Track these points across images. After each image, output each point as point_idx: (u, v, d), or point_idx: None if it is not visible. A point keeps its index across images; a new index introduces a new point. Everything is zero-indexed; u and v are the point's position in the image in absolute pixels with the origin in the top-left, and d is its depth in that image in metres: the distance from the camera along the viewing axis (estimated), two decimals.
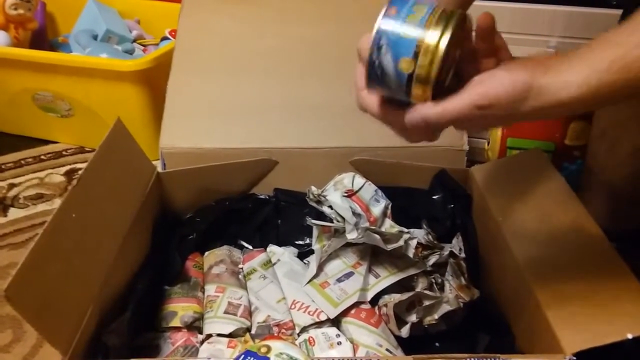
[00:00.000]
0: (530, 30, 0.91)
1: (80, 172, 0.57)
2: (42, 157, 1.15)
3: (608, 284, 0.51)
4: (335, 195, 0.68)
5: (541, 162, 0.68)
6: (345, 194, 0.68)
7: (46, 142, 1.19)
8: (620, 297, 0.49)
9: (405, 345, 0.60)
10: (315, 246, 0.69)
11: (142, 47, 1.26)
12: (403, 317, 0.62)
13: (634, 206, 0.69)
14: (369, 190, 0.71)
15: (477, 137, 0.99)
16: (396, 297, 0.62)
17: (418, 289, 0.63)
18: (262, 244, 0.76)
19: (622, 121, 0.65)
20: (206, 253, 0.74)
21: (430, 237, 0.69)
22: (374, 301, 0.64)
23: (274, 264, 0.72)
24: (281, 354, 0.43)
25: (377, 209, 0.69)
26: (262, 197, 0.79)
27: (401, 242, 0.64)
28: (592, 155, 0.73)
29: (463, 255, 0.68)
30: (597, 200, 0.60)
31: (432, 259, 0.67)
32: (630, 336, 0.45)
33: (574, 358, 0.46)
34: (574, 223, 0.58)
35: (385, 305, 0.62)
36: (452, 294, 0.63)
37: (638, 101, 0.64)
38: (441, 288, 0.65)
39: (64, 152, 1.16)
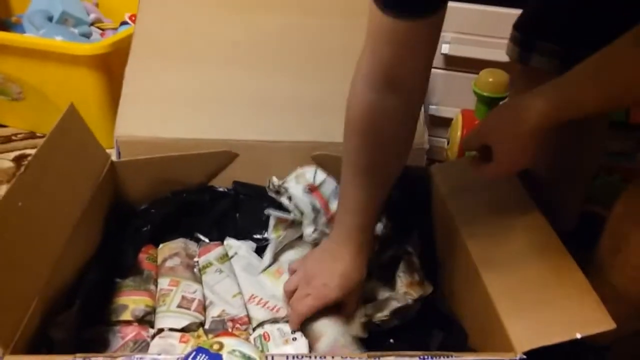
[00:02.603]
0: None
1: (29, 158, 0.55)
2: None
3: (559, 283, 0.52)
4: (297, 189, 0.68)
5: None
6: (308, 189, 0.68)
7: None
8: (571, 297, 0.51)
9: (361, 341, 0.60)
10: (271, 236, 0.69)
11: (100, 31, 1.22)
12: None
13: (564, 206, 0.72)
14: (329, 185, 0.70)
15: (437, 136, 1.00)
16: None
17: (372, 282, 0.63)
18: (219, 237, 0.75)
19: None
20: (160, 245, 0.72)
21: (387, 230, 0.69)
22: None
23: (231, 257, 0.70)
24: (234, 350, 0.42)
25: (336, 205, 0.69)
26: (220, 189, 0.78)
27: None
28: None
29: (417, 251, 0.69)
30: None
31: (389, 253, 0.67)
32: (579, 336, 0.47)
33: (524, 357, 0.47)
34: (528, 222, 0.60)
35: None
36: (401, 290, 0.63)
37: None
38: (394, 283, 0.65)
39: (13, 137, 1.11)
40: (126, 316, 0.59)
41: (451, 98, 0.98)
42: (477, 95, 0.89)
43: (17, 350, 0.46)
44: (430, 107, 1.00)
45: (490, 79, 0.87)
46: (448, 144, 0.96)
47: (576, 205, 0.76)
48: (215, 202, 0.77)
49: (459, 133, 0.90)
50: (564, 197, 0.72)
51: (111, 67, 0.98)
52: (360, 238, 0.59)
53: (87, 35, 1.18)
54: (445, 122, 0.98)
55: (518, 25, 0.67)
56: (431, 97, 1.00)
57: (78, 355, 0.45)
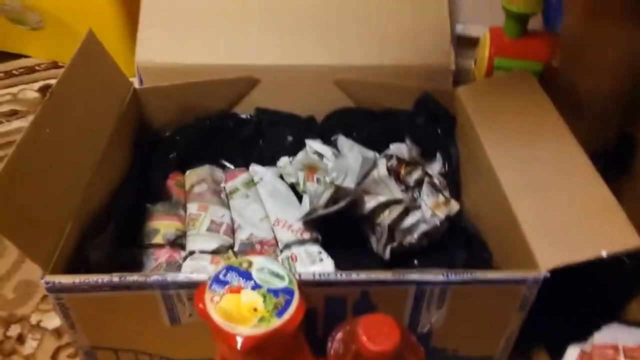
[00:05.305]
0: None
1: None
2: (14, 72, 1.10)
3: (587, 203, 0.52)
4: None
5: (528, 83, 0.67)
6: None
7: (17, 56, 1.14)
8: (598, 216, 0.50)
9: (384, 261, 0.62)
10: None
11: None
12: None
13: (604, 127, 0.69)
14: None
15: (464, 56, 0.96)
16: (390, 215, 0.62)
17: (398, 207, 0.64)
18: (244, 164, 0.76)
19: (598, 42, 0.65)
20: (187, 172, 0.73)
21: (413, 153, 0.69)
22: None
23: (257, 183, 0.71)
24: (262, 268, 0.43)
25: None
26: (243, 116, 0.78)
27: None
28: (565, 75, 0.72)
29: (440, 172, 0.68)
30: (571, 121, 0.61)
31: (415, 175, 0.67)
32: (604, 253, 0.46)
33: (548, 275, 0.47)
34: (558, 145, 0.58)
35: (379, 225, 0.62)
36: (428, 213, 0.63)
37: (613, 22, 0.62)
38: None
39: (36, 67, 1.11)
40: (158, 239, 0.61)
41: (479, 15, 0.94)
42: (507, 12, 0.84)
43: (56, 271, 0.48)
44: (457, 25, 0.96)
45: None
46: (475, 63, 0.93)
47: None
48: (239, 129, 0.77)
49: (487, 52, 0.87)
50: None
51: None
52: None
53: None
54: (473, 42, 0.95)
55: None
56: (457, 15, 0.95)
57: (115, 274, 0.47)
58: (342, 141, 0.73)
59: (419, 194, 0.66)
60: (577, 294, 0.54)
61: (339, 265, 0.59)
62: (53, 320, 0.65)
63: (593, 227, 0.49)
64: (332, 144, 0.74)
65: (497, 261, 0.59)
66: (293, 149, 0.74)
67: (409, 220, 0.63)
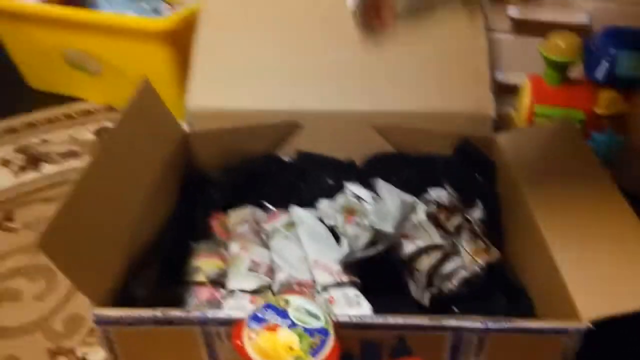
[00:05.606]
0: None
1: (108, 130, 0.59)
2: (73, 114, 1.17)
3: (629, 253, 0.51)
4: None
5: (572, 135, 0.67)
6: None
7: (75, 99, 1.21)
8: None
9: (422, 307, 0.61)
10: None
11: (169, 6, 1.26)
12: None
13: None
14: None
15: (504, 104, 0.97)
16: (429, 261, 0.62)
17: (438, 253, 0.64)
18: (285, 206, 0.77)
19: None
20: (230, 212, 0.75)
21: (453, 198, 0.69)
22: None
23: (297, 225, 0.73)
24: (299, 308, 0.44)
25: None
26: (285, 159, 0.80)
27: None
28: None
29: (480, 219, 0.68)
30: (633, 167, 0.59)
31: (455, 221, 0.67)
32: None
33: (591, 326, 0.46)
34: (599, 195, 0.58)
35: (418, 270, 0.62)
36: (468, 260, 0.63)
37: None
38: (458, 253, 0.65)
39: (93, 111, 1.18)
40: (200, 277, 0.63)
41: (518, 62, 0.95)
42: (546, 60, 0.85)
43: (105, 305, 0.50)
44: (497, 72, 0.97)
45: (560, 42, 0.83)
46: (515, 110, 0.93)
47: None
48: (281, 172, 0.79)
49: (527, 99, 0.87)
50: None
51: (182, 42, 1.01)
52: None
53: (157, 11, 1.23)
54: (512, 89, 0.95)
55: None
56: (498, 62, 0.97)
57: (158, 309, 0.49)
58: (381, 185, 0.73)
59: (459, 240, 0.66)
60: (620, 344, 0.52)
61: (376, 310, 0.59)
62: (98, 354, 0.67)
63: (635, 278, 0.48)
64: (371, 187, 0.75)
65: (538, 311, 0.57)
66: (333, 192, 0.75)
67: (448, 267, 0.63)
